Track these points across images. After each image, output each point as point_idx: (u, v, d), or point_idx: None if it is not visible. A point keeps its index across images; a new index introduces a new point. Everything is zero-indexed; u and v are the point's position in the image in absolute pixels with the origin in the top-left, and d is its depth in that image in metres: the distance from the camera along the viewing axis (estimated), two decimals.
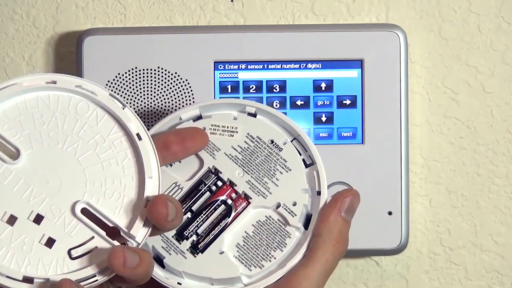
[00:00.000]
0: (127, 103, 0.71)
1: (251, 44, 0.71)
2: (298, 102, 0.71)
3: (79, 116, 0.56)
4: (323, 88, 0.71)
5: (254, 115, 0.61)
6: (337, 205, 0.59)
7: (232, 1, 0.74)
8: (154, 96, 0.71)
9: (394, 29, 0.71)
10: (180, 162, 0.60)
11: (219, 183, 0.60)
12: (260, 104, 0.61)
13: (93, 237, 0.55)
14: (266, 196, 0.60)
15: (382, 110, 0.71)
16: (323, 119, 0.71)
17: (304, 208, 0.60)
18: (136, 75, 0.71)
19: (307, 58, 0.71)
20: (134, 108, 0.71)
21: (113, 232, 0.55)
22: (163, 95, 0.71)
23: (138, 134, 0.56)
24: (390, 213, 0.71)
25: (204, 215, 0.60)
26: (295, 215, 0.59)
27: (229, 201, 0.60)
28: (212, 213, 0.60)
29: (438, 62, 0.74)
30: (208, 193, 0.60)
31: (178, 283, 0.59)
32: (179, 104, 0.71)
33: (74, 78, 0.56)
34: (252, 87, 0.71)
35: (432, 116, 0.74)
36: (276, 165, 0.60)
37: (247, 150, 0.60)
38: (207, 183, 0.60)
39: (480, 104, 0.74)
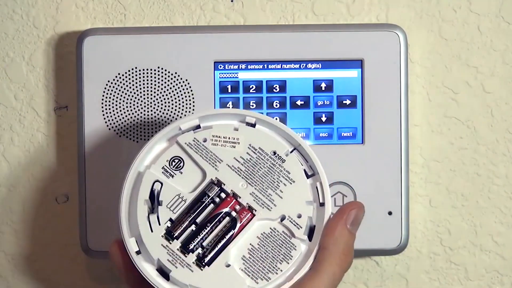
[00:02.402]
0: (127, 103, 0.70)
1: (251, 44, 0.71)
2: (298, 102, 0.71)
3: None
4: (323, 88, 0.71)
5: (254, 125, 0.61)
6: (343, 217, 0.59)
7: (232, 1, 0.74)
8: (154, 96, 0.71)
9: (394, 29, 0.71)
10: (181, 173, 0.60)
11: (223, 195, 0.60)
12: (260, 114, 0.61)
13: None
14: (271, 208, 0.59)
15: (382, 110, 0.71)
16: (323, 119, 0.71)
17: (308, 220, 0.60)
18: (136, 75, 0.71)
19: (307, 58, 0.71)
20: (134, 109, 0.71)
21: None
22: (163, 95, 0.71)
23: None
24: (390, 213, 0.71)
25: (209, 227, 0.59)
26: (301, 227, 0.59)
27: (233, 213, 0.59)
28: (217, 226, 0.59)
29: (438, 62, 0.74)
30: (212, 205, 0.60)
31: None
32: (179, 104, 0.71)
33: None
34: (252, 87, 0.71)
35: (432, 116, 0.74)
36: (279, 177, 0.60)
37: (250, 161, 0.60)
38: (210, 195, 0.60)
39: (480, 104, 0.74)
